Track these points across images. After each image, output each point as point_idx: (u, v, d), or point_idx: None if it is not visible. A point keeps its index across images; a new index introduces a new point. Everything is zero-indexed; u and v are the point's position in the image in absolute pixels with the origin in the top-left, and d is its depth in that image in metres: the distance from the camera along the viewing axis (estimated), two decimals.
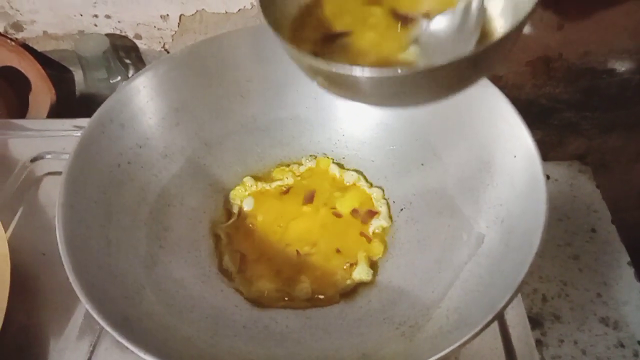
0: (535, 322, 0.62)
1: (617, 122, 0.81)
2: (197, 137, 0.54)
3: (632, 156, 0.85)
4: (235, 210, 0.54)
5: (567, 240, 0.68)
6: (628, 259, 0.66)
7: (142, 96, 0.50)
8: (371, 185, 0.55)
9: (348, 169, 0.56)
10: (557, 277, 0.66)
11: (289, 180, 0.56)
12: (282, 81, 0.55)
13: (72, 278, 0.38)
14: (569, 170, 0.74)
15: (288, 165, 0.57)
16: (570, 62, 0.73)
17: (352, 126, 0.57)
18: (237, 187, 0.55)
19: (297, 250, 0.50)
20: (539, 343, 0.61)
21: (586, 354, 0.60)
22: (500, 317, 0.51)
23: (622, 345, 0.60)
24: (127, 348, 0.49)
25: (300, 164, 0.57)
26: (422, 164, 0.53)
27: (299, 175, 0.56)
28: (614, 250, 0.68)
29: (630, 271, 0.65)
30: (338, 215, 0.53)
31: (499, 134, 0.46)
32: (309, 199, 0.54)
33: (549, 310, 0.63)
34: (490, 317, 0.36)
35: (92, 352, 0.49)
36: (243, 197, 0.54)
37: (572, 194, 0.72)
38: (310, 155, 0.57)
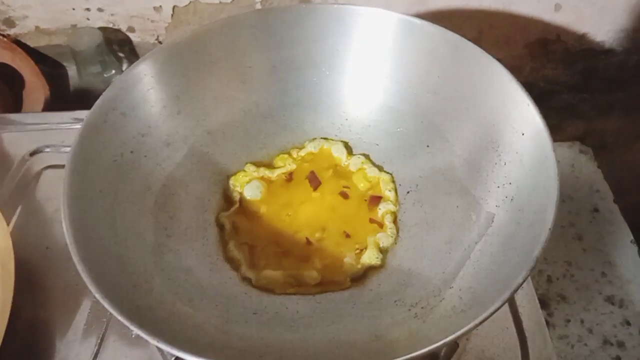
0: (541, 302, 0.62)
1: (616, 104, 0.81)
2: (200, 125, 0.53)
3: (630, 137, 0.86)
4: (236, 197, 0.53)
5: (570, 220, 0.68)
6: (631, 237, 0.66)
7: (144, 84, 0.50)
8: (379, 169, 0.54)
9: (355, 154, 0.56)
10: (562, 258, 0.66)
11: (291, 166, 0.55)
12: (284, 66, 0.55)
13: (80, 268, 0.37)
14: (570, 151, 0.74)
15: (289, 153, 0.56)
16: (569, 43, 0.73)
17: (356, 110, 0.56)
18: (238, 173, 0.54)
19: (306, 238, 0.50)
20: (545, 323, 0.61)
21: (593, 332, 0.60)
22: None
23: (629, 323, 0.61)
24: (134, 340, 0.49)
25: (301, 148, 0.56)
26: (428, 146, 0.52)
27: (299, 159, 0.56)
28: (617, 230, 0.68)
29: (634, 249, 0.65)
30: (345, 196, 0.53)
31: (505, 112, 0.46)
32: (315, 183, 0.53)
33: (555, 291, 0.63)
34: (507, 295, 0.35)
35: (99, 345, 0.49)
36: (243, 183, 0.53)
37: (574, 174, 0.72)
38: (313, 139, 0.57)
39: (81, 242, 0.39)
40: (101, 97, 0.47)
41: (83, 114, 0.46)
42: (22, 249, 0.52)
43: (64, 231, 0.39)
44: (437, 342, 0.34)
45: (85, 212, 0.42)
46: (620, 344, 0.60)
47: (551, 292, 0.64)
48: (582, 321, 0.61)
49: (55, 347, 0.49)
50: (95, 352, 0.48)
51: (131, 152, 0.48)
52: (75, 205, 0.41)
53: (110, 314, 0.36)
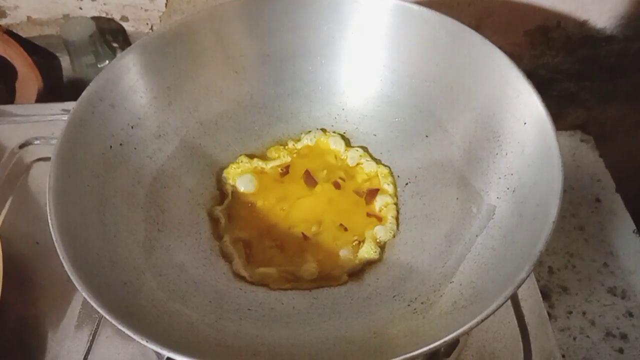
0: (542, 294, 0.61)
1: (617, 92, 0.80)
2: (191, 116, 0.52)
3: (632, 125, 0.84)
4: (229, 189, 0.52)
5: (571, 211, 0.67)
6: (634, 227, 0.65)
7: (132, 74, 0.48)
8: (377, 162, 0.53)
9: (353, 146, 0.55)
10: (563, 248, 0.65)
11: (286, 159, 0.54)
12: (278, 55, 0.54)
13: (67, 266, 0.36)
14: (571, 140, 0.73)
15: (285, 145, 0.55)
16: (569, 31, 0.72)
17: (353, 99, 0.55)
18: (231, 165, 0.53)
19: (302, 233, 0.49)
20: (547, 316, 0.60)
21: (595, 324, 0.59)
22: None
23: (631, 315, 0.60)
24: (128, 336, 0.48)
25: (297, 140, 0.55)
26: (427, 136, 0.51)
27: (295, 153, 0.54)
28: (619, 220, 0.67)
29: (636, 240, 0.64)
30: (337, 186, 0.52)
31: (506, 100, 0.45)
32: (310, 183, 0.52)
33: (556, 282, 0.63)
34: (510, 291, 0.34)
35: (92, 342, 0.48)
36: (236, 176, 0.52)
37: (575, 164, 0.71)
38: (309, 132, 0.55)
39: (68, 238, 0.38)
40: (87, 88, 0.46)
41: (73, 105, 0.45)
42: (11, 243, 0.51)
43: (50, 227, 0.38)
44: (437, 340, 0.33)
45: (72, 207, 0.41)
46: (623, 336, 0.59)
47: (552, 284, 0.63)
48: (584, 313, 0.60)
49: (47, 344, 0.48)
50: (87, 348, 0.48)
51: (120, 144, 0.47)
52: (62, 200, 0.40)
53: None
